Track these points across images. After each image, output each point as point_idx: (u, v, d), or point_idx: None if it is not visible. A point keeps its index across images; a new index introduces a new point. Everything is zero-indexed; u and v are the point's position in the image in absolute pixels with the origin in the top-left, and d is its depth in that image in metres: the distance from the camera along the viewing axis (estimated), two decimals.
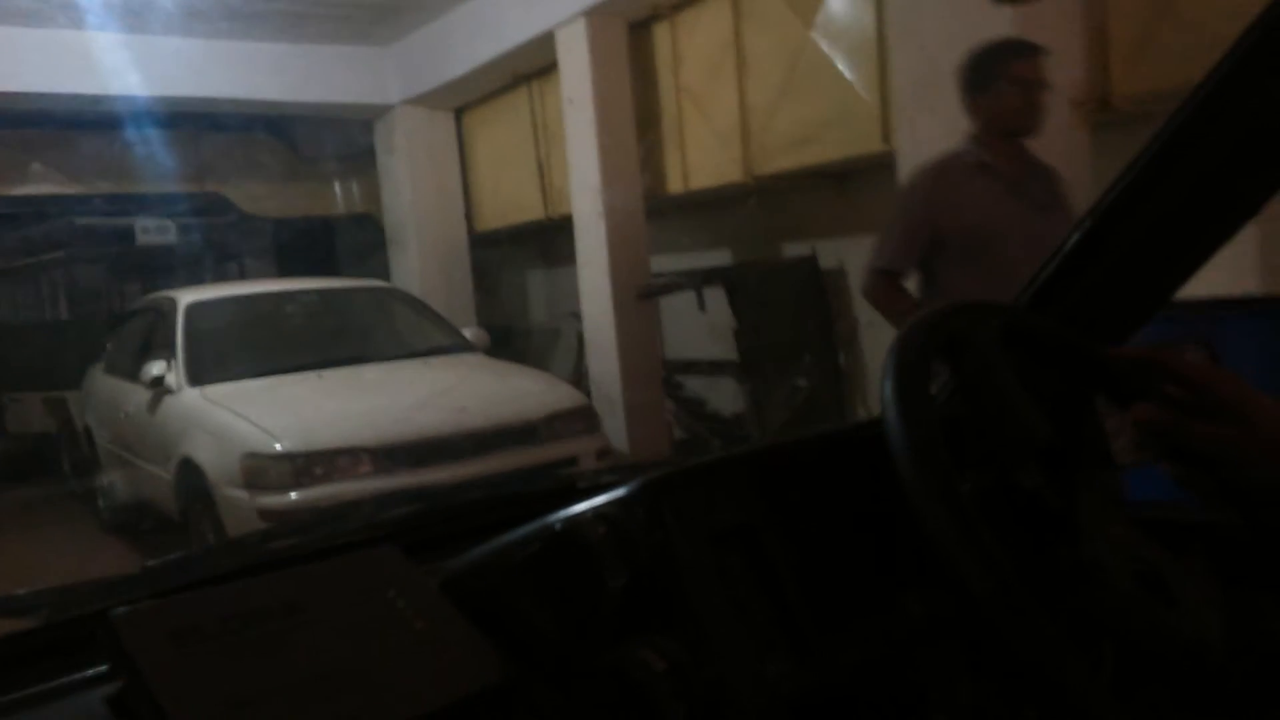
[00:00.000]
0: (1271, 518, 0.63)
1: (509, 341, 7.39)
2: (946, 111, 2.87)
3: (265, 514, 3.87)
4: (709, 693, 0.61)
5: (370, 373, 4.87)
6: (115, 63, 6.30)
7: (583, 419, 4.71)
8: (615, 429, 5.60)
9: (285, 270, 8.51)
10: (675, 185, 5.60)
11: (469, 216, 7.53)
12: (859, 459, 0.76)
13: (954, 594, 0.54)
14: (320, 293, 5.68)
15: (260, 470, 3.93)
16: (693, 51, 5.34)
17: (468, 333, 5.61)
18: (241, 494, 3.96)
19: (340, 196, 8.51)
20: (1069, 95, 3.48)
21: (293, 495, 3.88)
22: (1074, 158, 3.50)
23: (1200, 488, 0.64)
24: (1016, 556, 0.58)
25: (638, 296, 5.22)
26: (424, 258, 7.29)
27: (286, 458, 3.92)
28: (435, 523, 0.97)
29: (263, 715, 0.56)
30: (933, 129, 3.31)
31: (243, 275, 8.97)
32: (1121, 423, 0.69)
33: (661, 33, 5.52)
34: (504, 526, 0.74)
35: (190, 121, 7.40)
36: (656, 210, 5.76)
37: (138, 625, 0.58)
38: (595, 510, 0.67)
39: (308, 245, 8.42)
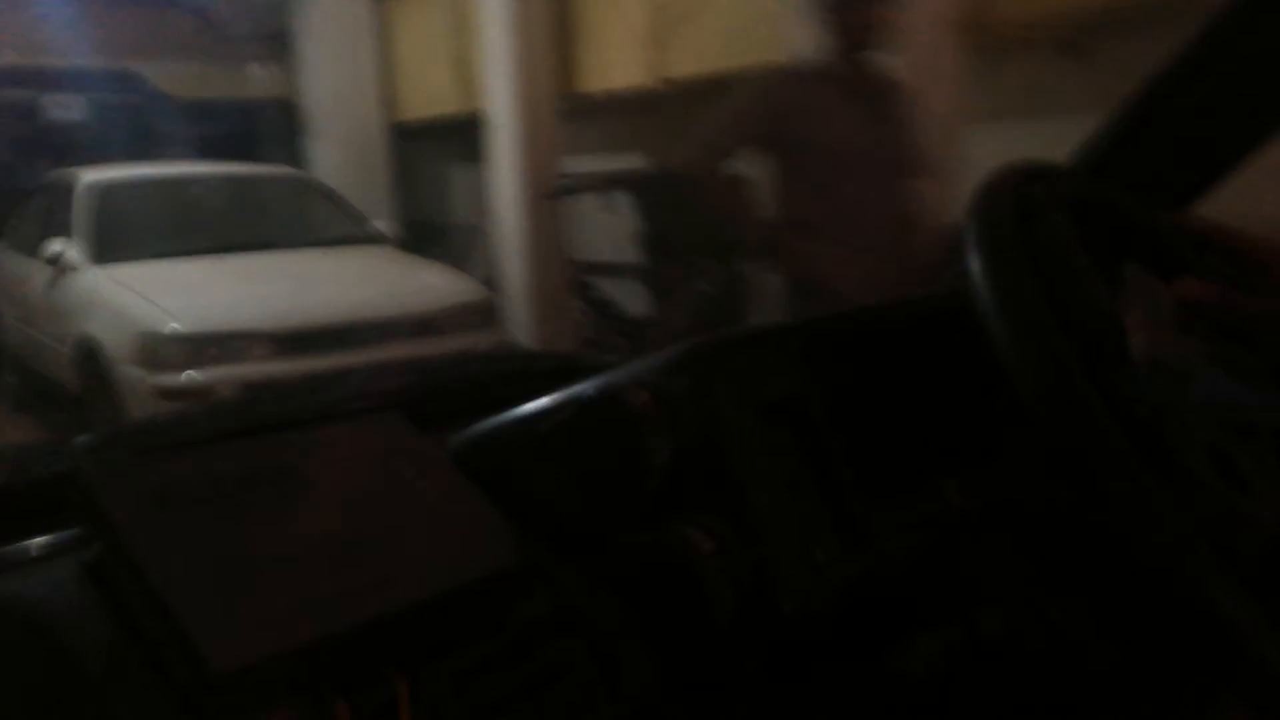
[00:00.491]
0: None
1: (430, 237, 7.41)
2: None
3: (161, 392, 3.98)
4: (757, 577, 0.58)
5: (274, 259, 4.93)
6: None
7: (481, 313, 4.84)
8: (522, 326, 5.76)
9: (201, 154, 8.36)
10: (591, 84, 5.63)
11: (390, 106, 7.46)
12: (914, 335, 0.71)
13: (1011, 477, 0.52)
14: (228, 177, 5.67)
15: (155, 349, 4.02)
16: None
17: (379, 224, 5.67)
18: (138, 372, 4.05)
19: (262, 80, 8.33)
20: (950, 17, 3.61)
21: (188, 375, 3.98)
22: (954, 77, 3.66)
23: (1247, 370, 0.59)
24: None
25: (545, 195, 5.30)
26: (341, 147, 7.25)
27: (182, 338, 4.00)
28: (437, 395, 0.90)
29: (264, 585, 0.51)
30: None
31: (155, 156, 8.78)
32: (1155, 307, 0.62)
33: None
34: (506, 404, 0.69)
35: None
36: (577, 111, 5.79)
37: (117, 484, 0.53)
38: (635, 377, 0.63)
39: (225, 128, 8.25)
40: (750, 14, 4.63)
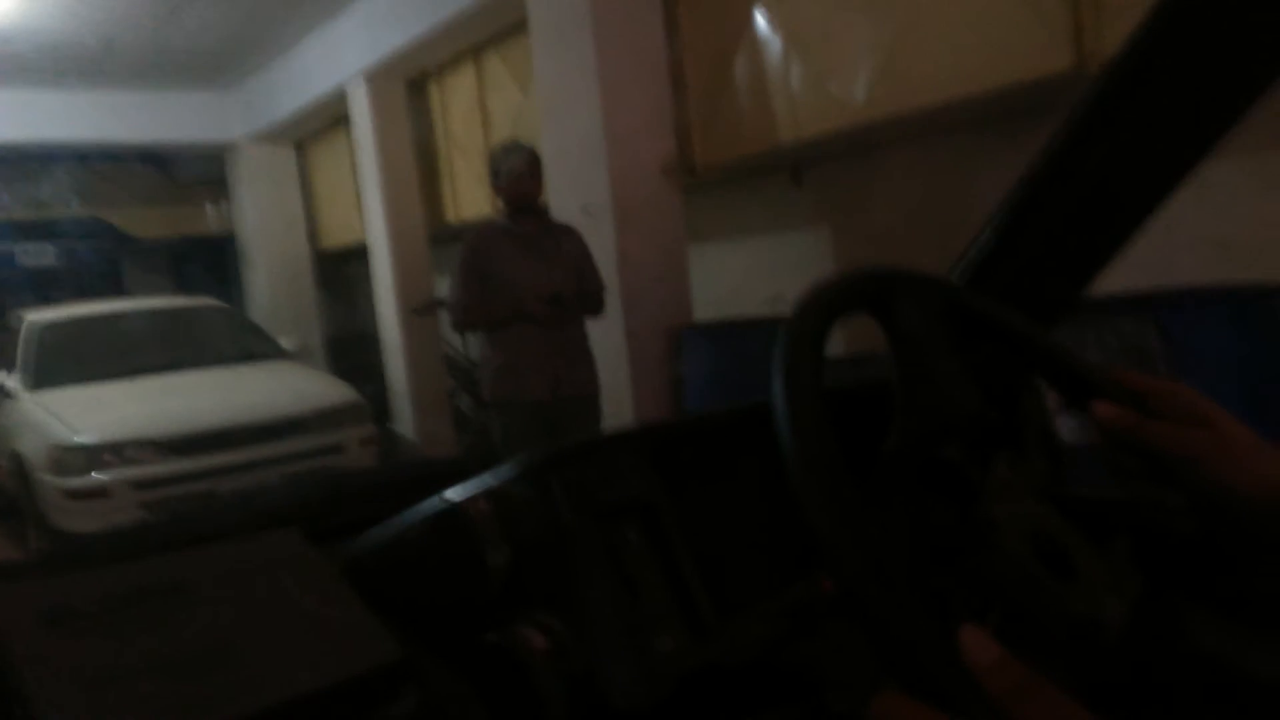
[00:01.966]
0: (1227, 525, 0.62)
1: (357, 347, 8.44)
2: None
3: (68, 493, 4.94)
4: (591, 671, 0.60)
5: (179, 378, 5.92)
6: None
7: (352, 412, 5.79)
8: (406, 417, 6.72)
9: (163, 286, 9.54)
10: (450, 216, 6.70)
11: (313, 236, 8.60)
12: (762, 433, 0.68)
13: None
14: (153, 311, 6.73)
15: (63, 458, 4.99)
16: (454, 106, 6.44)
17: (284, 342, 6.68)
18: (53, 478, 5.02)
19: (212, 218, 9.55)
20: (663, 165, 4.60)
21: (90, 476, 4.95)
22: (670, 212, 4.64)
23: (1161, 483, 0.63)
24: (915, 522, 0.61)
25: (412, 311, 6.31)
26: (270, 273, 8.37)
27: (82, 448, 4.98)
28: (339, 508, 0.94)
29: (130, 692, 0.54)
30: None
31: (122, 292, 9.98)
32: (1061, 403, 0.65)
33: (434, 89, 6.61)
34: (406, 508, 0.73)
35: (68, 155, 8.42)
36: (446, 236, 6.84)
37: (10, 606, 0.58)
38: (484, 486, 0.67)
39: (181, 263, 9.45)
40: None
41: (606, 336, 4.18)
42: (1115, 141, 0.77)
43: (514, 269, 3.65)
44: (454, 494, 0.68)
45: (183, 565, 0.66)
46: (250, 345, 6.53)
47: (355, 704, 0.61)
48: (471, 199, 6.50)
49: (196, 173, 9.24)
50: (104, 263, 9.32)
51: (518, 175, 3.61)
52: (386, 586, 0.70)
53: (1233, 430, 0.62)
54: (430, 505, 0.69)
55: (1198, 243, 3.19)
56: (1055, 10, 3.25)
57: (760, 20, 4.32)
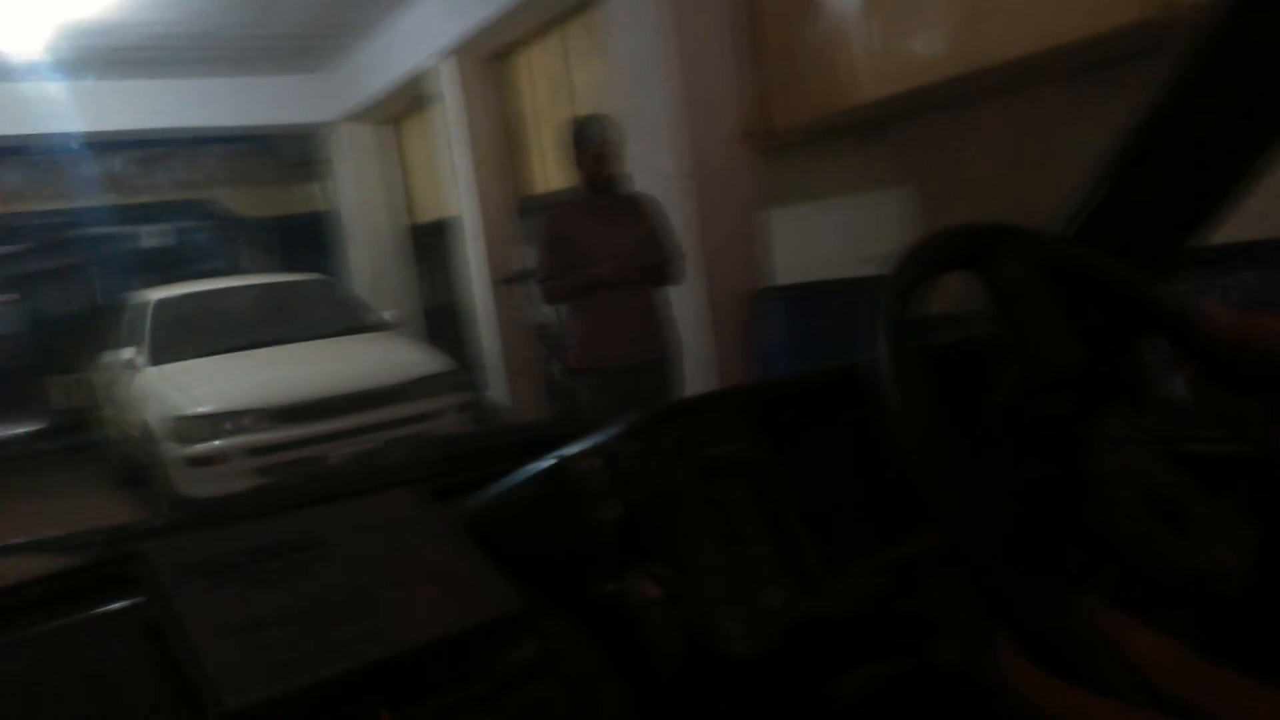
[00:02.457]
0: None
1: (452, 318, 8.71)
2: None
3: (189, 460, 5.29)
4: (704, 619, 0.62)
5: (288, 350, 6.23)
6: (110, 105, 7.78)
7: (449, 380, 6.01)
8: (500, 384, 6.93)
9: (272, 262, 10.00)
10: (539, 187, 6.82)
11: (409, 211, 8.88)
12: (860, 392, 0.65)
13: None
14: (263, 286, 7.09)
15: (184, 427, 5.34)
16: (540, 79, 6.54)
17: (387, 314, 6.95)
18: (175, 445, 5.38)
19: (315, 196, 9.95)
20: (743, 129, 4.61)
21: (209, 444, 5.29)
22: (751, 177, 4.65)
23: (1245, 422, 0.60)
24: (1024, 476, 0.60)
25: (499, 282, 6.48)
26: (370, 248, 8.70)
27: (201, 417, 5.32)
28: (459, 467, 0.96)
29: (277, 637, 0.59)
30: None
31: (235, 270, 10.51)
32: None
33: (520, 63, 6.72)
34: (515, 470, 0.76)
35: (180, 141, 8.90)
36: (534, 207, 6.98)
37: (168, 558, 0.62)
38: (595, 444, 0.69)
39: (288, 240, 9.88)
40: None
41: (688, 302, 4.25)
42: (1224, 86, 0.75)
43: (592, 240, 3.74)
44: (567, 452, 0.71)
45: (316, 520, 0.70)
46: (353, 317, 6.81)
47: (479, 651, 0.64)
48: (558, 170, 6.60)
49: (299, 153, 9.62)
50: (217, 242, 9.84)
51: (594, 153, 3.69)
52: (505, 541, 0.72)
53: None
54: (545, 463, 0.72)
55: None
56: None
57: None
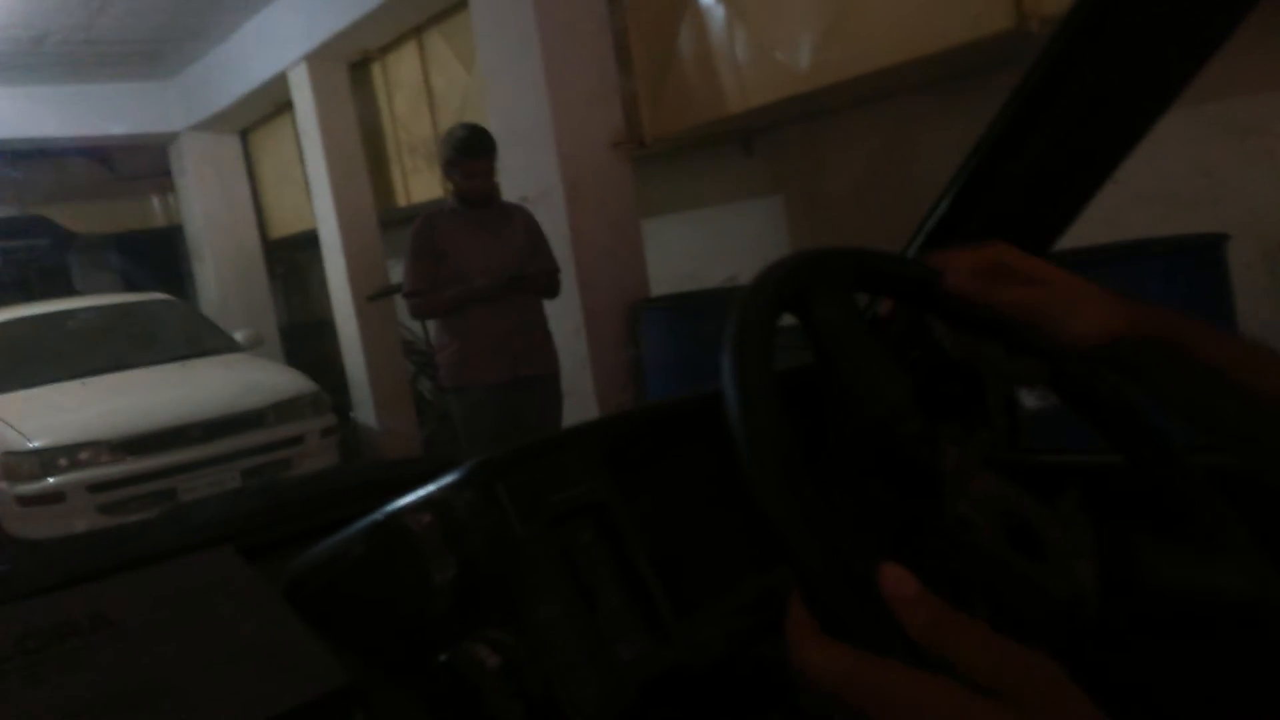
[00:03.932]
0: (1077, 374, 0.66)
1: (314, 335, 8.34)
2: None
3: (21, 500, 4.83)
4: (548, 688, 0.57)
5: (131, 376, 5.81)
6: None
7: (311, 403, 5.71)
8: (367, 405, 6.65)
9: (112, 282, 9.34)
10: (401, 199, 6.60)
11: (262, 226, 8.44)
12: (715, 421, 0.62)
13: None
14: (101, 308, 6.59)
15: (16, 465, 4.89)
16: (399, 88, 6.33)
17: (238, 334, 6.57)
18: (5, 484, 4.91)
19: (158, 211, 9.35)
20: (612, 139, 4.56)
21: (43, 482, 4.85)
22: (622, 186, 4.60)
23: (1015, 370, 0.65)
24: (873, 513, 0.58)
25: (367, 298, 6.22)
26: (219, 265, 8.22)
27: (35, 453, 4.88)
28: (279, 519, 0.89)
29: None
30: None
31: (71, 291, 9.79)
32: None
33: (377, 71, 6.49)
34: (354, 519, 0.69)
35: (9, 155, 8.19)
36: (398, 220, 6.74)
37: None
38: (424, 497, 0.63)
39: (128, 258, 9.25)
40: None
41: (564, 315, 4.15)
42: (1070, 102, 0.76)
43: (466, 252, 3.61)
44: (394, 506, 0.64)
45: (105, 594, 0.62)
46: (202, 340, 6.42)
47: None
48: (421, 181, 6.40)
49: (140, 166, 9.02)
50: (49, 261, 9.11)
51: (468, 164, 3.56)
52: (330, 606, 0.67)
53: (1067, 281, 0.63)
54: (371, 519, 0.65)
55: (1142, 199, 3.22)
56: None
57: None
